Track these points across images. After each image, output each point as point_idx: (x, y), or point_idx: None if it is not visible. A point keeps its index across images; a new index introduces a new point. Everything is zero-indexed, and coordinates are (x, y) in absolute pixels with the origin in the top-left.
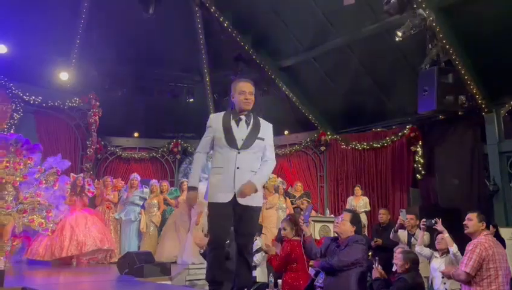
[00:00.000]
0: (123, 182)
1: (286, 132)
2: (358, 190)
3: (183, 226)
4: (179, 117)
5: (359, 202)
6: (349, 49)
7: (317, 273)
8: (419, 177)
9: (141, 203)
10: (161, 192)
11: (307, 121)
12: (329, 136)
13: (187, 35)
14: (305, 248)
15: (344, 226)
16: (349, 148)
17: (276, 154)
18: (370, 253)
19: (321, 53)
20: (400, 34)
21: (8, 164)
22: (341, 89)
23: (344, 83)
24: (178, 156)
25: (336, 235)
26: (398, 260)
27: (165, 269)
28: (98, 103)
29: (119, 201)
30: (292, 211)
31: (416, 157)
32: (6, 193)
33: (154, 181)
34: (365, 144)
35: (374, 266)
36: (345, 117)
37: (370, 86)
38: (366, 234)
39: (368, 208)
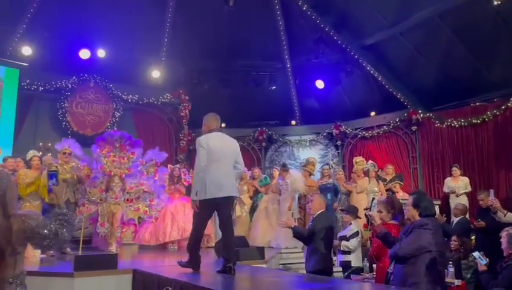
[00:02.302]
0: None
1: (373, 113)
2: (456, 170)
3: (274, 212)
4: (263, 105)
5: (458, 183)
6: (440, 20)
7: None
8: None
9: None
10: (253, 178)
11: (395, 100)
12: (421, 115)
13: (267, 23)
14: (378, 238)
15: (409, 212)
16: (444, 126)
17: (363, 137)
18: (473, 237)
19: (408, 27)
20: None
21: (115, 158)
22: (433, 63)
23: (436, 57)
24: (264, 144)
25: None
26: (503, 244)
27: (259, 253)
28: (187, 97)
29: None
30: (385, 195)
31: None
32: (114, 184)
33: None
34: (463, 120)
35: (476, 260)
36: (439, 93)
37: (466, 57)
38: (468, 217)
39: (469, 189)
